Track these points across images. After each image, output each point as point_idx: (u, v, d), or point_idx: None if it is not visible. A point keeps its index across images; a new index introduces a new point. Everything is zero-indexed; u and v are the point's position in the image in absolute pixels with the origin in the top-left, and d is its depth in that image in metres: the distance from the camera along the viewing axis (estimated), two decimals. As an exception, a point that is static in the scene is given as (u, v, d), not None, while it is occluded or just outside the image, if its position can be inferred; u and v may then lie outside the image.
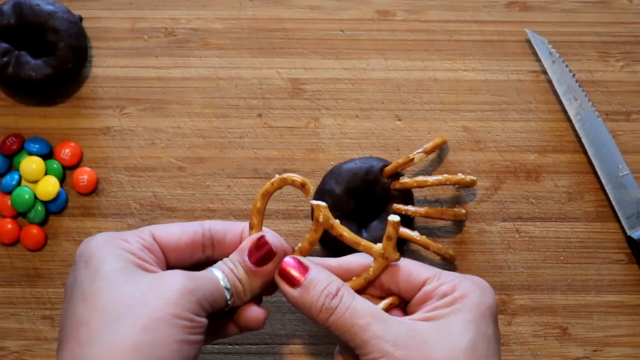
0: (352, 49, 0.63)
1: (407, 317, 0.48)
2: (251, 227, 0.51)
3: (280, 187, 0.50)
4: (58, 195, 0.61)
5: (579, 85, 0.61)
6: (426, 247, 0.57)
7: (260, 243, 0.49)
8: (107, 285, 0.45)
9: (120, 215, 0.61)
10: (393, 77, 0.63)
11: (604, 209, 0.61)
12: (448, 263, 0.60)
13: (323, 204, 0.50)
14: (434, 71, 0.63)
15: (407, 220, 0.58)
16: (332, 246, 0.58)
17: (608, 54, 0.63)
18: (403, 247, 0.59)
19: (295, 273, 0.49)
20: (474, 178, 0.59)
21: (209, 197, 0.61)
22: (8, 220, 0.61)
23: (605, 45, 0.63)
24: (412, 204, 0.59)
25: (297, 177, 0.50)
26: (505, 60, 0.63)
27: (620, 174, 0.60)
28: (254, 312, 0.50)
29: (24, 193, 0.60)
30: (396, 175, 0.59)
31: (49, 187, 0.60)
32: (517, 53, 0.63)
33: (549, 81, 0.62)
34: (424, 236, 0.57)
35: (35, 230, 0.60)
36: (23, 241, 0.61)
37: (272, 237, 0.49)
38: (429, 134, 0.62)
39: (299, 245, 0.51)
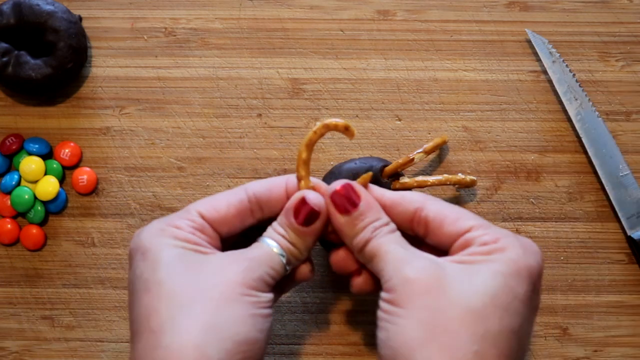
0: (352, 49, 0.63)
1: (439, 258, 0.47)
2: (299, 179, 0.50)
3: (323, 134, 0.50)
4: (58, 195, 0.60)
5: (579, 85, 0.61)
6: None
7: (302, 205, 0.49)
8: (169, 274, 0.46)
9: (120, 215, 0.61)
10: (393, 77, 0.63)
11: (604, 209, 0.61)
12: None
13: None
14: (434, 71, 0.63)
15: None
16: (332, 246, 0.58)
17: (608, 54, 0.63)
18: None
19: (346, 202, 0.49)
20: (474, 178, 0.59)
21: (209, 197, 0.61)
22: (8, 220, 0.61)
23: (605, 45, 0.63)
24: (412, 204, 0.59)
25: (339, 121, 0.49)
26: (506, 60, 0.63)
27: (621, 174, 0.60)
28: (303, 269, 0.51)
29: (24, 193, 0.60)
30: (396, 175, 0.59)
31: (49, 187, 0.60)
32: (517, 53, 0.63)
33: (549, 81, 0.62)
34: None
35: (35, 230, 0.60)
36: (23, 241, 0.61)
37: (313, 196, 0.49)
38: (429, 134, 0.62)
39: None
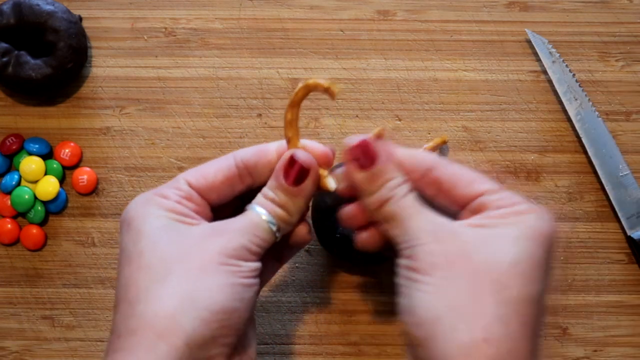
0: (352, 49, 0.63)
1: (455, 221, 0.46)
2: (288, 141, 0.49)
3: (306, 95, 0.49)
4: (58, 195, 0.60)
5: (579, 85, 0.61)
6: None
7: (291, 163, 0.48)
8: (150, 244, 0.45)
9: (120, 215, 0.61)
10: (393, 77, 0.63)
11: (604, 209, 0.61)
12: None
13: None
14: (434, 71, 0.63)
15: None
16: (331, 246, 0.58)
17: (608, 54, 0.63)
18: None
19: (363, 158, 0.47)
20: (474, 178, 0.59)
21: (209, 197, 0.61)
22: (8, 220, 0.61)
23: (605, 45, 0.63)
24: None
25: (321, 81, 0.48)
26: (505, 60, 0.63)
27: (620, 174, 0.60)
28: (299, 231, 0.50)
29: (24, 193, 0.60)
30: (396, 175, 0.59)
31: (49, 187, 0.60)
32: (517, 53, 0.63)
33: (549, 81, 0.62)
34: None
35: (35, 230, 0.60)
36: (23, 241, 0.61)
37: (302, 154, 0.48)
38: (429, 134, 0.62)
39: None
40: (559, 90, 0.61)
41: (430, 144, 0.59)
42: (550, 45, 0.62)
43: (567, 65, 0.62)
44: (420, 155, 0.49)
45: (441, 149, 0.61)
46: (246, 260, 0.46)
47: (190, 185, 0.49)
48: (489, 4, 0.63)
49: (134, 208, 0.48)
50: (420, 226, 0.46)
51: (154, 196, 0.48)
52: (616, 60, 0.62)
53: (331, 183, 0.49)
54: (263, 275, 0.50)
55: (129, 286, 0.45)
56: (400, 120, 0.62)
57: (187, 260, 0.45)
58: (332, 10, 0.63)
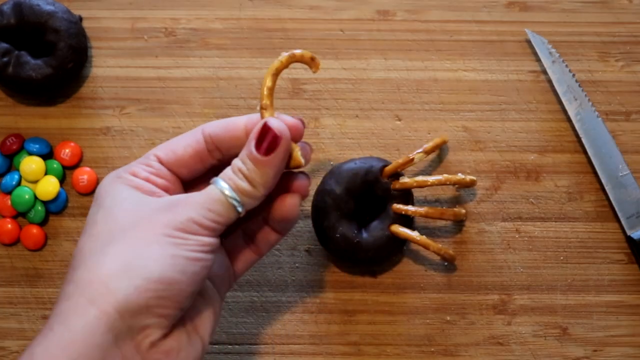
0: (352, 49, 0.63)
1: None
2: (264, 109, 0.49)
3: (289, 64, 0.49)
4: (58, 195, 0.61)
5: (579, 85, 0.61)
6: (426, 247, 0.57)
7: (264, 130, 0.47)
8: (105, 215, 0.46)
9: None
10: (393, 77, 0.63)
11: (603, 209, 0.61)
12: (448, 262, 0.60)
13: None
14: (434, 71, 0.63)
15: (407, 220, 0.58)
16: (331, 246, 0.58)
17: (608, 54, 0.63)
18: (403, 247, 0.60)
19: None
20: (474, 178, 0.59)
21: (209, 197, 0.61)
22: (8, 220, 0.61)
23: (605, 45, 0.63)
24: (412, 204, 0.59)
25: (305, 52, 0.49)
26: (505, 60, 0.63)
27: (620, 174, 0.60)
28: (288, 201, 0.49)
29: (24, 193, 0.60)
30: (396, 175, 0.59)
31: (49, 187, 0.60)
32: (517, 53, 0.63)
33: (549, 81, 0.62)
34: (423, 236, 0.57)
35: (35, 230, 0.60)
36: (23, 241, 0.61)
37: (276, 122, 0.48)
38: (429, 134, 0.62)
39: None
40: (558, 90, 0.61)
41: (430, 144, 0.59)
42: (550, 45, 0.62)
43: (566, 65, 0.62)
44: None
45: (441, 149, 0.61)
46: (195, 233, 0.45)
47: (160, 161, 0.49)
48: (488, 4, 0.63)
49: (103, 185, 0.48)
50: None
51: (124, 173, 0.48)
52: (616, 60, 0.62)
53: (302, 157, 0.49)
54: (237, 263, 0.51)
55: (76, 253, 0.45)
56: (400, 120, 0.62)
57: (135, 230, 0.45)
58: (332, 10, 0.63)
